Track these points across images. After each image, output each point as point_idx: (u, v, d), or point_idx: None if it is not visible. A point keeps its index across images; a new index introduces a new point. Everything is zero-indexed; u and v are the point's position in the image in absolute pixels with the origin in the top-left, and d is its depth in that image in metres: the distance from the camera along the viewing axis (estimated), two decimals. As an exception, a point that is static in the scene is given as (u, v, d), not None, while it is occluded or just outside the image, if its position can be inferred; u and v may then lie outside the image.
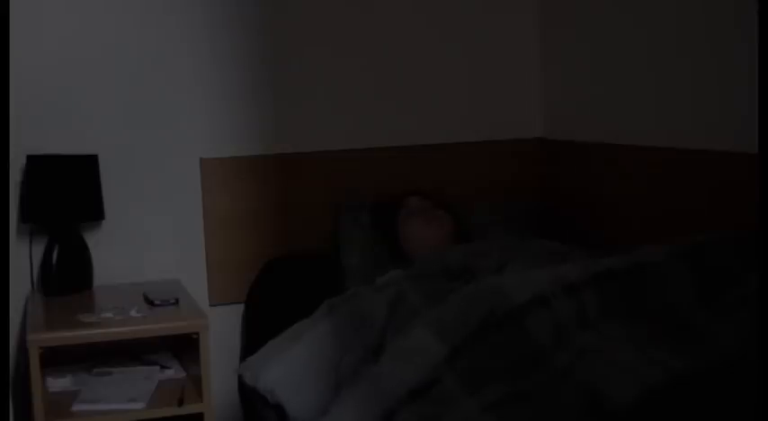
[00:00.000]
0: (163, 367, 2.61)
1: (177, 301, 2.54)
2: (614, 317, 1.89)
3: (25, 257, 2.71)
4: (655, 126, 2.64)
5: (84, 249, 2.71)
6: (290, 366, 2.18)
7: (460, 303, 1.96)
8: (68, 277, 2.67)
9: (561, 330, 1.84)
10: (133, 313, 2.45)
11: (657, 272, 1.99)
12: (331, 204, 2.93)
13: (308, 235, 2.95)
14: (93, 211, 2.71)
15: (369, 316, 2.18)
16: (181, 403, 2.38)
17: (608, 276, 1.96)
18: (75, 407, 2.36)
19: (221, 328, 2.85)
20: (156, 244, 2.87)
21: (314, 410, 2.09)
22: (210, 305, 2.89)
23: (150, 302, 2.54)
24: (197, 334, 2.40)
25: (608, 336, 1.83)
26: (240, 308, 2.90)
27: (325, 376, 2.14)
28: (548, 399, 1.71)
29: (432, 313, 2.00)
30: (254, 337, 2.66)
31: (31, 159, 2.64)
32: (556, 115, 3.16)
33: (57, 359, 2.55)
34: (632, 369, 1.68)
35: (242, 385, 2.39)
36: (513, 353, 1.82)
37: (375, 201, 2.89)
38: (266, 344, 2.30)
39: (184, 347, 2.56)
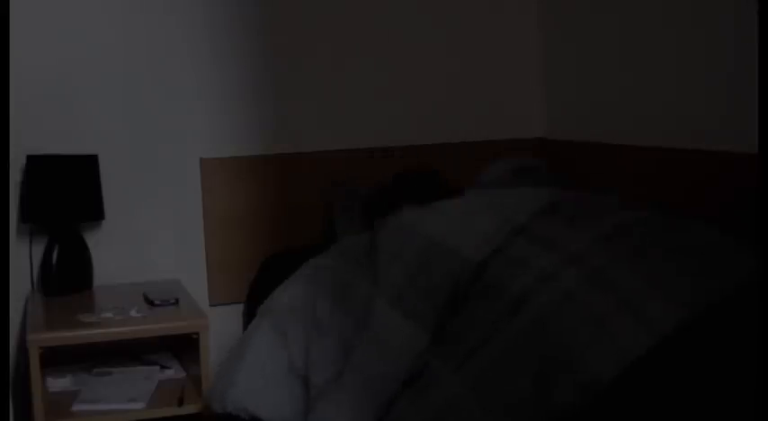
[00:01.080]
0: (163, 367, 2.61)
1: (177, 301, 2.54)
2: (570, 236, 1.84)
3: (25, 257, 2.71)
4: (655, 126, 2.64)
5: (84, 249, 2.71)
6: (247, 377, 2.17)
7: (420, 268, 1.98)
8: (68, 277, 2.67)
9: (517, 263, 1.83)
10: (133, 313, 2.45)
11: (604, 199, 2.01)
12: (326, 204, 2.92)
13: (307, 234, 2.95)
14: (93, 211, 2.71)
15: (298, 305, 2.19)
16: (181, 403, 2.38)
17: (554, 209, 1.97)
18: (75, 407, 2.36)
19: (221, 328, 2.85)
20: (156, 244, 2.87)
21: (288, 409, 2.10)
22: (210, 305, 2.89)
23: (150, 302, 2.54)
24: (197, 334, 2.40)
25: (568, 258, 1.78)
26: (240, 308, 2.90)
27: (285, 374, 2.14)
28: (520, 364, 1.66)
29: (385, 280, 2.02)
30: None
31: (31, 159, 2.64)
32: (556, 115, 3.16)
33: (57, 359, 2.55)
34: (612, 336, 1.58)
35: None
36: (481, 312, 1.82)
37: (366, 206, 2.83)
38: (218, 369, 2.29)
39: (184, 347, 2.56)
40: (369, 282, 2.09)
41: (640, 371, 1.52)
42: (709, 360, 1.50)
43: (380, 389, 1.90)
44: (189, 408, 2.38)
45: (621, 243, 1.78)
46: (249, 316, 2.84)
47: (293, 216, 2.95)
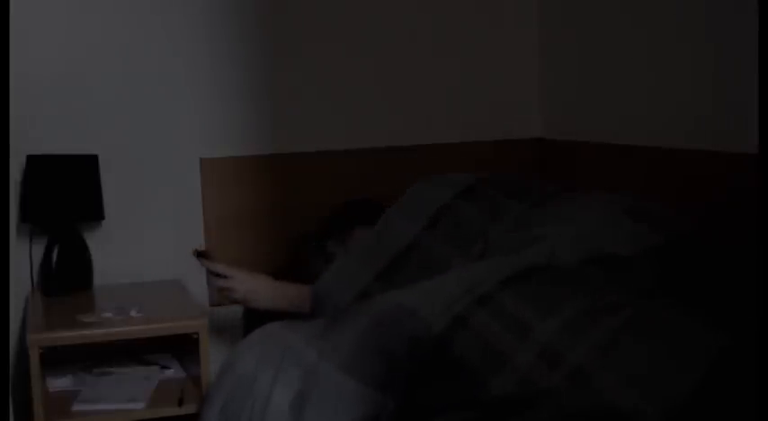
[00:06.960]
0: (163, 367, 2.61)
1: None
2: (538, 323, 1.79)
3: (25, 257, 2.72)
4: (655, 126, 2.64)
5: (84, 249, 2.71)
6: None
7: (371, 333, 1.90)
8: (68, 277, 2.67)
9: (489, 347, 1.77)
10: (133, 313, 2.45)
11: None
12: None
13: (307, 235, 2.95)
14: (93, 211, 2.71)
15: (244, 379, 2.07)
16: (181, 403, 2.38)
17: (521, 277, 1.92)
18: (75, 407, 2.36)
19: (221, 328, 2.85)
20: (156, 244, 2.87)
21: None
22: (210, 305, 2.89)
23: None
24: (197, 334, 2.40)
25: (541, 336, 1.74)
26: (240, 308, 2.89)
27: None
28: None
29: (341, 349, 1.92)
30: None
31: (31, 159, 2.64)
32: (556, 115, 3.16)
33: (57, 359, 2.55)
34: None
35: None
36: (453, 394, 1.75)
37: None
38: None
39: (184, 347, 2.56)
40: (318, 349, 1.98)
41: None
42: None
43: None
44: (189, 408, 2.37)
45: (591, 333, 1.74)
46: (249, 318, 2.83)
47: (293, 216, 2.95)
